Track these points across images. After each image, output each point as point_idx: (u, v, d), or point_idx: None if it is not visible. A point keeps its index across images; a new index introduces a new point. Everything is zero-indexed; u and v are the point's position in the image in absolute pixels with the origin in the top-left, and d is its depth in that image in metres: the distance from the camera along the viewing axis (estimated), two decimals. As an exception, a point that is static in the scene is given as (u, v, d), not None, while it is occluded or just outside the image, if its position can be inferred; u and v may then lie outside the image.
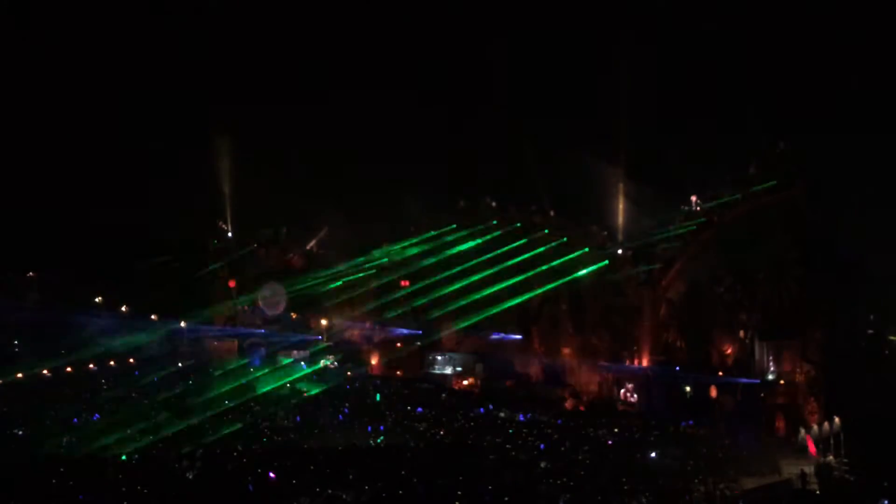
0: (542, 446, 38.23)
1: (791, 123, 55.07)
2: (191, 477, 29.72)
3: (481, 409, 47.05)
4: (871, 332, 54.28)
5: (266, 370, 53.92)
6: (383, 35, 59.07)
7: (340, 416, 42.98)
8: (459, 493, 28.29)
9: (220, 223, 62.53)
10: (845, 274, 52.05)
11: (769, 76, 56.97)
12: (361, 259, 61.70)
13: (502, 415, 46.19)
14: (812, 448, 40.91)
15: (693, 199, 57.08)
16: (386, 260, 61.78)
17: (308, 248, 64.22)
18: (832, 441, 41.89)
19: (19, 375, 48.19)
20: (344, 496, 26.34)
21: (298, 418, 41.30)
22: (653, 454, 38.75)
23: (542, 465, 35.22)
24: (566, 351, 55.49)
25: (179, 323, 57.41)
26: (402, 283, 59.68)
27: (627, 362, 54.12)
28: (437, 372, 57.62)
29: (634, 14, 53.35)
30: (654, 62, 54.70)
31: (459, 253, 59.62)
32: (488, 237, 59.97)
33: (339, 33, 59.63)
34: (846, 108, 54.75)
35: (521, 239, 59.05)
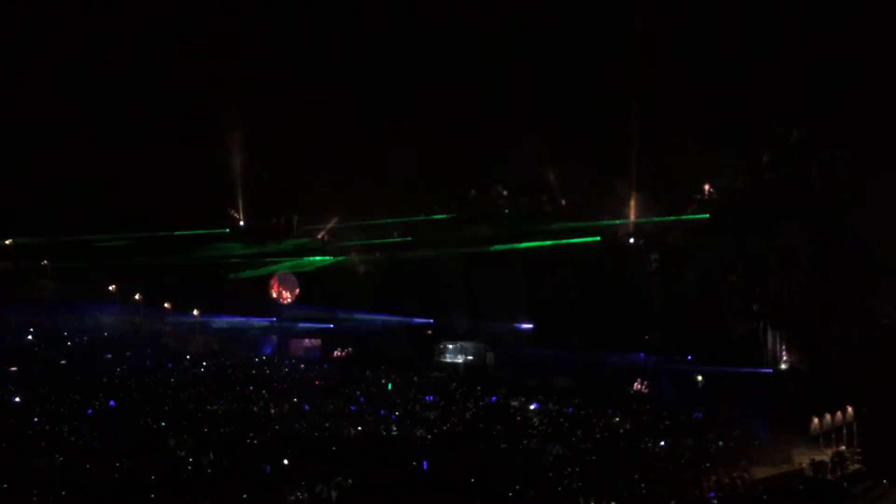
0: (551, 430, 38.29)
1: (805, 111, 54.62)
2: (205, 464, 29.94)
3: (492, 398, 47.11)
4: (885, 321, 53.93)
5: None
6: (393, 27, 58.93)
7: (353, 407, 43.07)
8: (470, 481, 28.34)
9: (232, 211, 62.74)
10: (859, 263, 51.70)
11: (784, 62, 56.45)
12: (372, 247, 61.85)
13: (514, 403, 46.24)
14: None
15: (705, 187, 56.78)
16: (397, 249, 61.84)
17: (320, 236, 64.36)
18: (845, 431, 41.72)
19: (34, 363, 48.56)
20: (353, 483, 26.46)
21: (307, 407, 41.45)
22: (663, 443, 38.73)
23: (553, 453, 35.27)
24: (577, 340, 55.42)
25: (193, 311, 57.73)
26: (413, 271, 59.76)
27: (638, 352, 54.01)
28: (448, 360, 57.71)
29: (642, 2, 52.93)
30: (665, 49, 54.33)
31: (470, 241, 59.59)
32: (499, 226, 59.90)
33: (346, 26, 59.56)
34: (862, 96, 54.20)
35: (532, 227, 58.96)
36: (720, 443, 40.04)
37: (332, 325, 59.19)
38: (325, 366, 54.27)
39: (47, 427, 34.77)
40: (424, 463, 29.14)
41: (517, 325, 58.11)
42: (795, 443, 40.87)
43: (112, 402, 39.93)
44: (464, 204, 62.49)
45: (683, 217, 56.60)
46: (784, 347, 51.11)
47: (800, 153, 54.10)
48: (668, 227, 56.69)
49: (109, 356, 51.39)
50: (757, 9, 56.03)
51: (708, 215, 55.88)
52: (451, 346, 58.18)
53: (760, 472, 35.95)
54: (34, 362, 46.68)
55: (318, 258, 60.70)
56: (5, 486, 25.01)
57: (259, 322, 59.21)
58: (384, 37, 59.45)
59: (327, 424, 38.46)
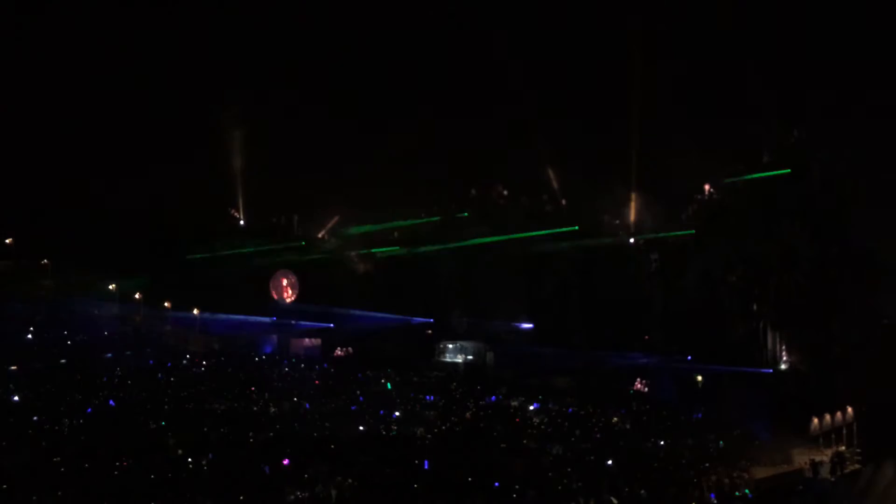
0: (551, 430, 38.26)
1: (805, 111, 54.60)
2: (204, 464, 29.89)
3: (492, 398, 47.10)
4: (885, 321, 53.93)
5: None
6: (395, 26, 58.93)
7: (353, 407, 43.01)
8: (469, 480, 28.30)
9: (232, 211, 62.69)
10: (859, 263, 51.67)
11: (784, 62, 56.41)
12: (373, 247, 61.82)
13: (514, 403, 46.25)
14: None
15: (706, 187, 56.75)
16: (398, 248, 61.83)
17: (319, 236, 64.30)
18: (845, 431, 41.73)
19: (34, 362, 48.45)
20: (353, 483, 26.44)
21: (308, 405, 41.43)
22: (663, 443, 38.72)
23: (553, 453, 35.25)
24: (577, 340, 55.41)
25: (192, 311, 57.64)
26: (414, 271, 59.71)
27: (638, 352, 54.00)
28: (448, 360, 57.69)
29: (643, 3, 52.94)
30: (666, 49, 54.29)
31: (470, 240, 59.54)
32: (499, 225, 59.84)
33: (349, 27, 59.59)
34: (862, 96, 54.16)
35: (532, 227, 58.92)
36: (720, 443, 40.03)
37: (332, 325, 59.14)
38: (326, 365, 54.23)
39: (47, 426, 34.69)
40: (426, 463, 29.10)
41: (517, 324, 58.10)
42: (795, 443, 40.90)
43: (112, 402, 39.86)
44: (464, 203, 62.48)
45: (684, 217, 56.59)
46: (784, 347, 51.11)
47: (800, 153, 54.07)
48: (670, 226, 56.64)
49: (109, 355, 51.31)
50: (757, 9, 56.00)
51: (708, 215, 55.86)
52: (450, 346, 58.18)
53: (760, 472, 35.95)
54: (34, 362, 46.60)
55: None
56: (5, 486, 24.95)
57: (259, 321, 59.13)
58: (385, 36, 59.47)
59: (327, 424, 38.42)
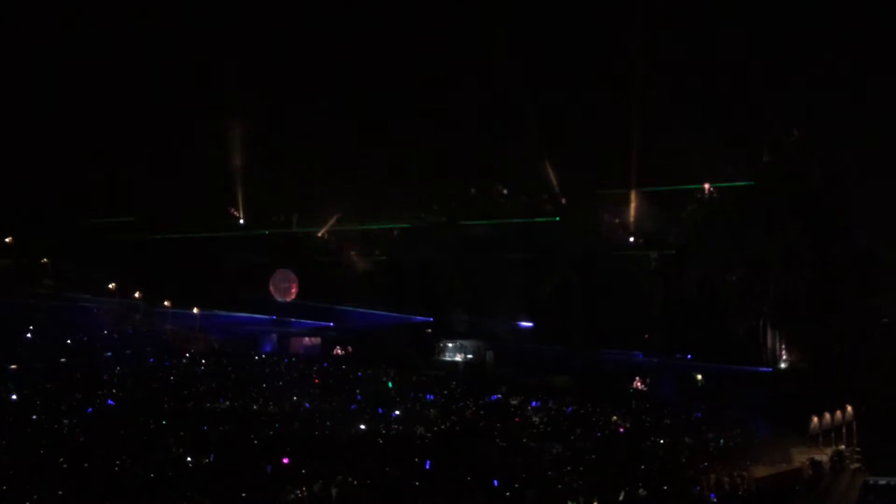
0: (550, 429, 38.30)
1: (805, 111, 54.59)
2: (205, 462, 29.89)
3: (492, 397, 47.13)
4: (885, 320, 53.98)
5: None
6: (392, 22, 58.96)
7: (353, 406, 43.03)
8: (469, 479, 28.31)
9: (232, 210, 62.72)
10: (860, 262, 51.71)
11: (784, 62, 56.43)
12: (373, 246, 61.85)
13: (514, 402, 46.29)
14: None
15: (706, 186, 56.78)
16: (397, 247, 61.85)
17: (319, 234, 64.33)
18: (844, 430, 41.74)
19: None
20: (354, 482, 26.45)
21: (308, 405, 41.44)
22: (663, 442, 38.76)
23: (553, 451, 35.29)
24: (577, 339, 55.49)
25: (192, 310, 57.69)
26: (414, 270, 59.77)
27: (638, 351, 54.05)
28: (448, 359, 57.72)
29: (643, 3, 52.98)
30: (666, 49, 54.30)
31: (470, 240, 59.59)
32: (499, 224, 59.92)
33: (346, 24, 59.62)
34: (862, 95, 54.17)
35: (532, 226, 58.98)
36: (720, 441, 40.08)
37: (331, 324, 59.19)
38: (325, 364, 54.27)
39: (46, 426, 34.66)
40: (427, 462, 29.10)
41: (517, 323, 58.12)
42: (795, 442, 40.92)
43: (112, 401, 39.84)
44: (464, 202, 62.53)
45: (685, 216, 56.59)
46: (784, 346, 51.17)
47: (800, 153, 54.11)
48: (670, 226, 56.71)
49: (109, 354, 51.25)
50: (757, 8, 56.01)
51: (709, 214, 55.93)
52: (450, 345, 58.24)
53: (760, 471, 35.98)
54: (34, 361, 46.58)
55: None
56: (5, 486, 24.96)
57: (259, 320, 59.17)
58: (383, 35, 59.49)
59: (328, 423, 38.42)
